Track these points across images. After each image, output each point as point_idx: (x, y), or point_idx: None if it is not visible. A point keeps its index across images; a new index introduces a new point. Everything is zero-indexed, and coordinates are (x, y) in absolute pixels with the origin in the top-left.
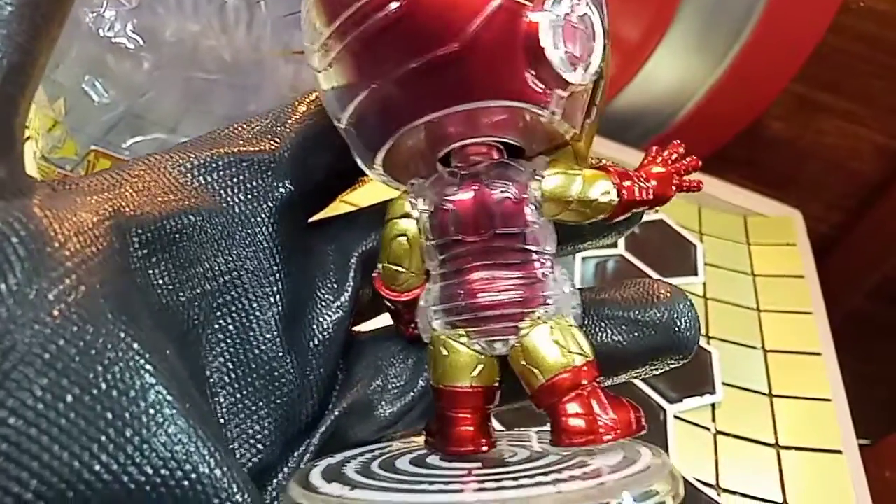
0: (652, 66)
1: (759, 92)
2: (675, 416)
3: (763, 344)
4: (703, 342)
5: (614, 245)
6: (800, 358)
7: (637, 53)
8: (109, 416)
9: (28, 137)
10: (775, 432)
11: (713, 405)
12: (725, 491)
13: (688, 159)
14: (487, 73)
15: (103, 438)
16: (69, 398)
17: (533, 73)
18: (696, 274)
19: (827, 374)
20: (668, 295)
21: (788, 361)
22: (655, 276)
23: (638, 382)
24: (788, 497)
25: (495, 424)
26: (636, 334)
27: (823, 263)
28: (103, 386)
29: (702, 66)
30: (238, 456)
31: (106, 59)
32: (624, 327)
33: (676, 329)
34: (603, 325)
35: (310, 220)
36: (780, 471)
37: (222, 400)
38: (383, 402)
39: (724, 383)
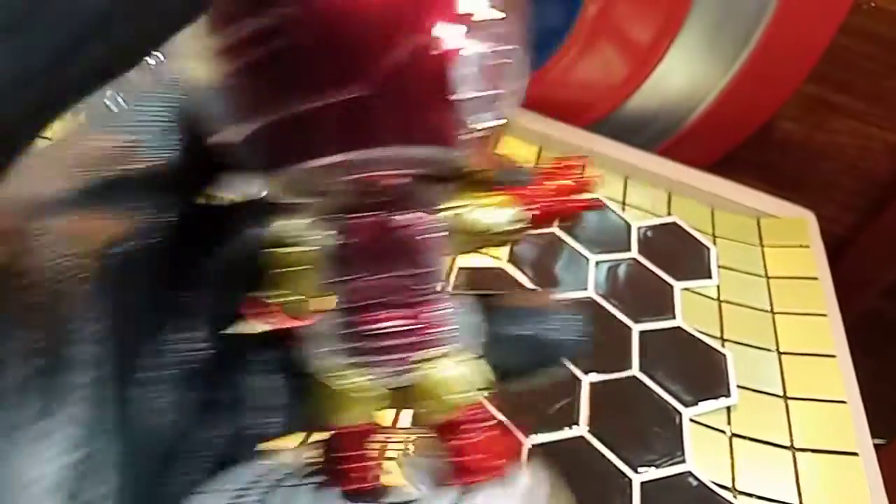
0: (663, 68)
1: (771, 93)
2: (691, 420)
3: (777, 346)
4: (717, 345)
5: (628, 248)
6: (814, 360)
7: (648, 56)
8: None
9: None
10: (791, 434)
11: (728, 408)
12: (742, 493)
13: (585, 175)
14: (395, 117)
15: None
16: None
17: (443, 116)
18: (710, 277)
19: (841, 376)
20: (554, 308)
21: (803, 363)
22: (669, 279)
23: (653, 385)
24: (805, 499)
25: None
26: (522, 350)
27: (837, 264)
28: None
29: (713, 69)
30: None
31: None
32: (510, 344)
33: (560, 345)
34: (490, 342)
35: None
36: (796, 473)
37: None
38: (266, 424)
39: (738, 386)
